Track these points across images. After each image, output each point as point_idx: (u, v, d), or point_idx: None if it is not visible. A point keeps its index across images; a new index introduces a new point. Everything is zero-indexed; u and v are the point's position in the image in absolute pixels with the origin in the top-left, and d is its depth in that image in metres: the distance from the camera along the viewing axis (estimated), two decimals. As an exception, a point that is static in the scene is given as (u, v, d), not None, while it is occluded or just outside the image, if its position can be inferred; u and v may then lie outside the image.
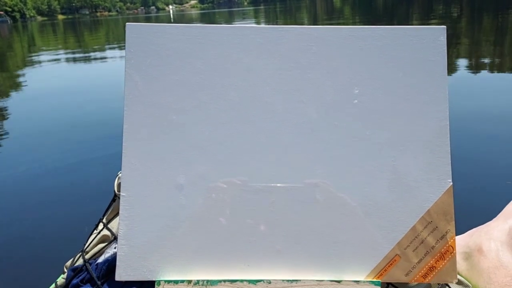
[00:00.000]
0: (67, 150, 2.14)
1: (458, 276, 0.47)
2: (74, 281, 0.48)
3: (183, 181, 0.46)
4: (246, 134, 0.46)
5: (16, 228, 1.30)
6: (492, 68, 3.44)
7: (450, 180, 0.46)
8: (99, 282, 0.46)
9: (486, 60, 3.76)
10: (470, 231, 0.68)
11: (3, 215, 1.45)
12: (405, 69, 0.46)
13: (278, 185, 0.45)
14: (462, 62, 3.71)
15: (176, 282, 0.44)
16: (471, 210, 0.65)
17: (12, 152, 2.25)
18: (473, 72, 3.32)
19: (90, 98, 3.36)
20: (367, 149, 0.46)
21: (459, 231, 0.71)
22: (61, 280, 0.51)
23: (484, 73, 3.27)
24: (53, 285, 0.51)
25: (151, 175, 0.46)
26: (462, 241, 0.67)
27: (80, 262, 0.51)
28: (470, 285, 0.49)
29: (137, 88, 0.47)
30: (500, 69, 3.39)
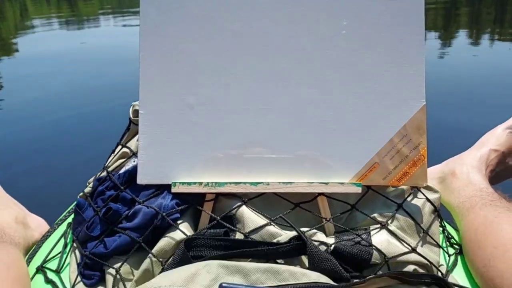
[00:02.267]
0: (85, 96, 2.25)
1: (429, 184, 0.55)
2: (100, 188, 0.56)
3: (193, 101, 0.53)
4: (248, 61, 0.53)
5: (43, 156, 1.41)
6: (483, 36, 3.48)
7: (424, 100, 0.53)
8: (122, 187, 0.54)
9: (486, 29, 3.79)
10: (446, 161, 0.76)
11: (30, 143, 1.57)
12: (386, 3, 0.52)
13: (276, 104, 0.53)
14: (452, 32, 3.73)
15: (189, 183, 0.52)
16: (449, 154, 0.75)
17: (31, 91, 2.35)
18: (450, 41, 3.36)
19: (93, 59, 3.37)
20: (354, 74, 0.53)
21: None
22: (87, 189, 0.59)
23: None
24: (81, 193, 0.58)
25: (165, 96, 0.53)
26: (438, 169, 0.76)
27: (103, 175, 0.59)
28: (439, 192, 0.57)
29: (151, 20, 0.54)
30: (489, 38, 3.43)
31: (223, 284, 0.41)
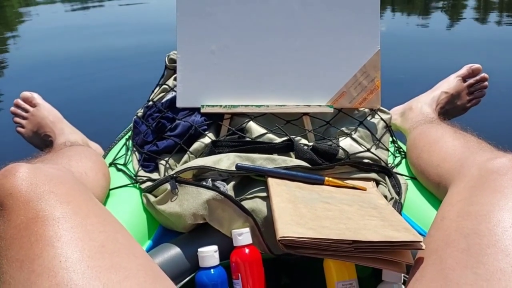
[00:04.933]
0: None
1: (381, 107, 0.77)
2: (148, 112, 0.79)
3: (214, 48, 0.75)
4: (254, 20, 0.74)
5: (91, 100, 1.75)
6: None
7: (379, 47, 0.74)
8: (165, 110, 0.76)
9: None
10: (408, 101, 0.98)
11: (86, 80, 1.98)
12: None
13: (274, 50, 0.74)
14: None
15: (213, 106, 0.74)
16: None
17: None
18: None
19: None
20: (329, 29, 0.74)
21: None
22: (139, 113, 0.81)
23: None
24: (135, 116, 0.81)
25: (195, 45, 0.75)
26: (402, 106, 0.98)
27: (150, 104, 0.81)
28: (390, 113, 0.79)
29: None
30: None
31: (238, 164, 0.64)
